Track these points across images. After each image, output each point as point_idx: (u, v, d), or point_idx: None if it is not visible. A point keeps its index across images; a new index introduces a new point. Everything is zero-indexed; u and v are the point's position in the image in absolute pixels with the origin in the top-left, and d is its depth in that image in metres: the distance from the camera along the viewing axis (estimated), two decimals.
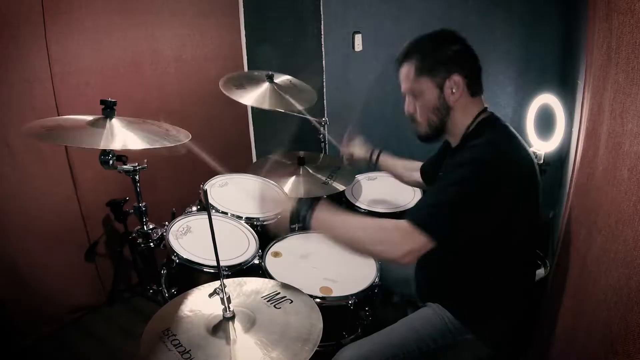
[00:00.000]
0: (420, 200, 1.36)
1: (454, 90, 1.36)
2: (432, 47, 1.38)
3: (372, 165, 2.04)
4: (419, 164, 1.92)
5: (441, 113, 1.40)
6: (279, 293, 1.33)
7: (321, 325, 1.18)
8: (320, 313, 1.24)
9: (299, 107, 2.28)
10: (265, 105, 2.24)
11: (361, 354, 1.35)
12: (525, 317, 1.45)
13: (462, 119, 1.40)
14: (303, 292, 1.35)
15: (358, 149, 2.07)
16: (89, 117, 1.68)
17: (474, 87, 1.39)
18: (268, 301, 1.29)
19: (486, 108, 1.42)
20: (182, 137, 1.74)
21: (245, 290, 1.36)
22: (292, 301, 1.29)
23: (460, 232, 1.25)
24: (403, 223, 1.24)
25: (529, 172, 1.32)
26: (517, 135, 1.37)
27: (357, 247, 1.36)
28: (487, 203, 1.24)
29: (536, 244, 1.37)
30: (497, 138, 1.34)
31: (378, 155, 2.03)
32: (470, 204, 1.23)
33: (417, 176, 1.91)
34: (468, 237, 1.27)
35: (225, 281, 1.37)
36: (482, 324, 1.40)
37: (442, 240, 1.21)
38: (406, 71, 1.42)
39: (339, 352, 1.38)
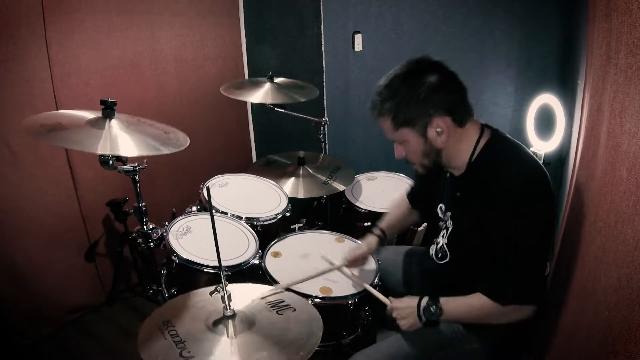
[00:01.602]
0: (494, 273, 1.27)
1: (439, 133, 1.26)
2: (405, 93, 1.25)
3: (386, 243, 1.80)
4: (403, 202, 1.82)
5: (431, 156, 1.33)
6: (283, 301, 1.33)
7: (320, 334, 1.18)
8: (321, 323, 1.23)
9: (301, 100, 2.29)
10: (269, 100, 2.25)
11: None
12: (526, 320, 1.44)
13: (459, 152, 1.32)
14: (308, 302, 1.34)
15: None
16: (89, 115, 1.68)
17: (463, 118, 1.28)
18: (271, 307, 1.29)
19: (482, 126, 1.34)
20: (182, 141, 1.74)
21: (251, 294, 1.36)
22: (295, 309, 1.29)
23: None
24: (514, 307, 1.26)
25: (549, 182, 1.28)
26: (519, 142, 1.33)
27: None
28: (551, 227, 1.28)
29: (549, 247, 1.35)
30: (519, 163, 1.27)
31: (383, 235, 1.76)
32: (542, 244, 1.25)
33: (409, 219, 1.83)
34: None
35: (236, 285, 1.37)
36: (489, 331, 1.38)
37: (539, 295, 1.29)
38: (383, 124, 1.33)
39: None
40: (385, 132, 1.36)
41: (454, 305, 1.34)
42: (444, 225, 1.48)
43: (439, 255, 1.50)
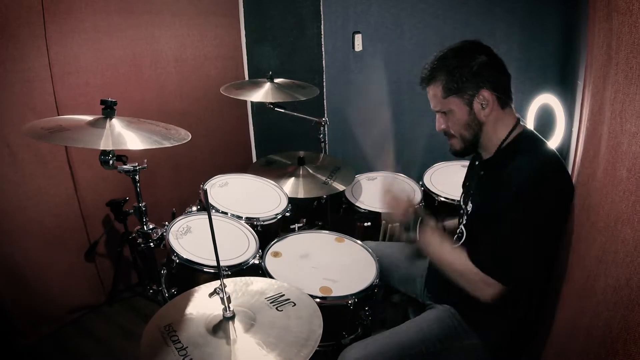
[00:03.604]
0: (485, 244, 1.34)
1: (484, 106, 1.35)
2: (457, 64, 1.35)
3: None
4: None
5: (473, 129, 1.39)
6: (283, 295, 1.32)
7: (321, 331, 1.18)
8: (321, 319, 1.23)
9: (301, 98, 2.29)
10: (269, 99, 2.25)
11: (367, 353, 1.35)
12: (528, 319, 1.44)
13: (495, 133, 1.39)
14: (308, 296, 1.34)
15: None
16: (89, 117, 1.68)
17: (504, 99, 1.37)
18: (271, 303, 1.29)
19: (519, 119, 1.41)
20: (183, 135, 1.74)
21: (250, 290, 1.36)
22: (295, 304, 1.29)
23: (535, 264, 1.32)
24: (484, 277, 1.28)
25: (570, 181, 1.33)
26: (552, 147, 1.37)
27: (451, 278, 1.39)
28: (554, 226, 1.30)
29: (558, 248, 1.36)
30: (541, 154, 1.33)
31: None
32: (541, 237, 1.28)
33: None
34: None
35: (232, 280, 1.37)
36: (490, 328, 1.39)
37: (522, 281, 1.31)
38: (433, 92, 1.41)
39: (343, 352, 1.38)
40: (431, 101, 1.44)
41: (438, 242, 1.43)
42: (464, 210, 1.53)
43: (454, 238, 1.53)
